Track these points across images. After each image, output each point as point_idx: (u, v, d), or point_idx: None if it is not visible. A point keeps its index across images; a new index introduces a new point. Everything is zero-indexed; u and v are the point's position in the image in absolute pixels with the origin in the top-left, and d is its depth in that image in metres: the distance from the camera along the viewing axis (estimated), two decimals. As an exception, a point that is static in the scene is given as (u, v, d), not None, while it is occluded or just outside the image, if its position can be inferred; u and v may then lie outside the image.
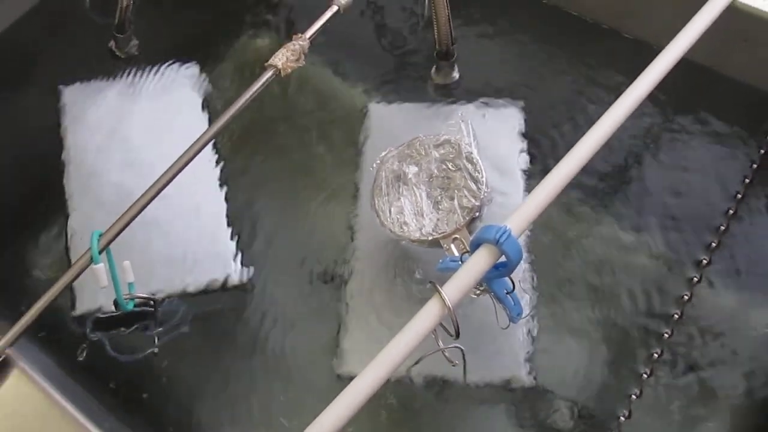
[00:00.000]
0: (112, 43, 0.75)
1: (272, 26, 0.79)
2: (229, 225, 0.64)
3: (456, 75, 0.71)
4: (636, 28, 0.70)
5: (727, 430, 0.53)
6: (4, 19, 0.76)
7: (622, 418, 0.54)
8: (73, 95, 0.71)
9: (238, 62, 0.76)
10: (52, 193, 0.66)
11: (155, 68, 0.73)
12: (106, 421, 0.48)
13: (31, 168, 0.70)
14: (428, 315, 0.43)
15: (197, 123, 0.70)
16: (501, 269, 0.45)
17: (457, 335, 0.45)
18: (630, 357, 0.56)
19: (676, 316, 0.57)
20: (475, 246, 0.45)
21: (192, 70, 0.73)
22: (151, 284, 0.60)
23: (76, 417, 0.46)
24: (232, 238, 0.63)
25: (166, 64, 0.73)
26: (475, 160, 0.56)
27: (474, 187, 0.55)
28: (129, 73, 0.73)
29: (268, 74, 0.53)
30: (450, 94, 0.70)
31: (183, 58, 0.74)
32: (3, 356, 0.46)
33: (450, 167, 0.57)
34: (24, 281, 0.63)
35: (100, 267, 0.48)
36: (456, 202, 0.55)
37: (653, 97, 0.53)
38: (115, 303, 0.55)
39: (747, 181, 0.63)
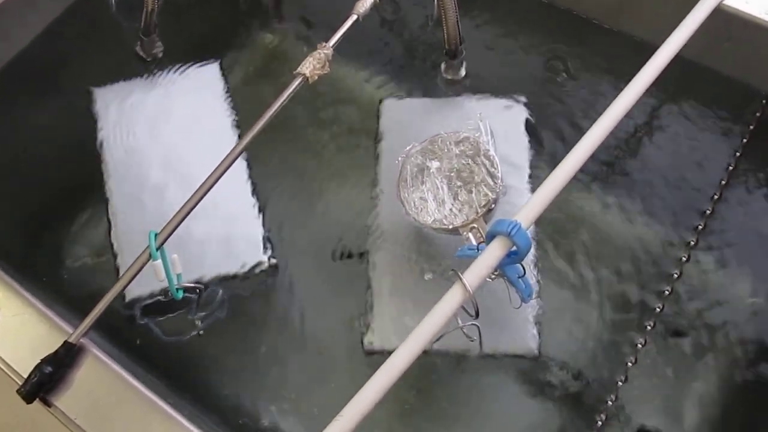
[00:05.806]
0: (138, 46, 0.77)
1: (285, 24, 0.81)
2: (257, 214, 0.67)
3: (463, 72, 0.73)
4: (632, 27, 0.72)
5: (713, 391, 0.57)
6: (36, 25, 0.78)
7: (620, 383, 0.57)
8: (104, 97, 0.73)
9: (254, 59, 0.78)
10: (91, 189, 0.68)
11: (179, 68, 0.75)
12: (170, 396, 0.51)
13: (69, 167, 0.72)
14: (452, 298, 0.47)
15: (221, 119, 0.72)
16: (513, 257, 0.49)
17: (477, 315, 0.49)
18: (626, 328, 0.59)
19: (667, 291, 0.60)
20: (491, 237, 0.48)
21: (213, 68, 0.75)
22: (192, 271, 0.62)
23: (146, 394, 0.50)
24: (261, 226, 0.66)
25: (189, 64, 0.75)
26: (492, 157, 0.59)
27: (491, 181, 0.58)
28: (155, 74, 0.75)
29: (297, 81, 0.57)
30: (458, 89, 0.72)
31: (204, 58, 0.76)
32: (77, 345, 0.51)
33: (469, 163, 0.59)
34: (67, 271, 0.66)
35: (159, 263, 0.52)
36: (474, 194, 0.58)
37: (647, 89, 0.55)
38: (167, 292, 0.60)
39: (731, 168, 0.65)
